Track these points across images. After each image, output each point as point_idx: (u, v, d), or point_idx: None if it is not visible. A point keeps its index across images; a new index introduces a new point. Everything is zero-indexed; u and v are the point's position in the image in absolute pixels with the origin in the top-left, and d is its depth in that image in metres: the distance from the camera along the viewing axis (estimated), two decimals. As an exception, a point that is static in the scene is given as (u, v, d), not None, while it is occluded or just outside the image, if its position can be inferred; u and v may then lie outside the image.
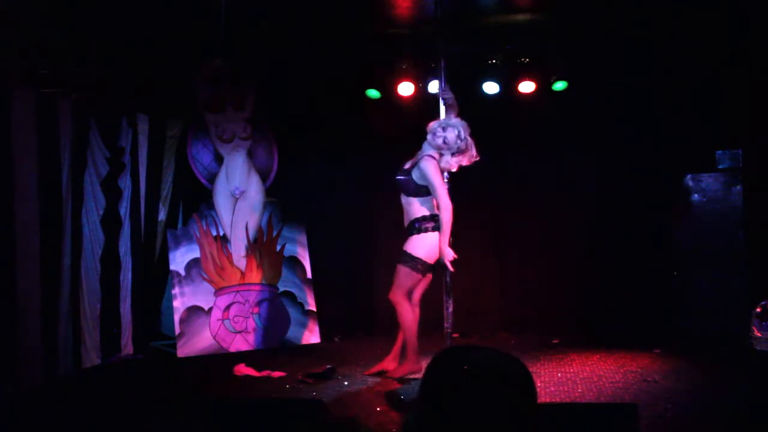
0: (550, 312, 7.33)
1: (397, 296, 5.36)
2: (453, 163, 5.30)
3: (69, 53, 5.97)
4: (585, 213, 7.32)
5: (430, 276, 5.47)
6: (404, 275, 5.32)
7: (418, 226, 5.27)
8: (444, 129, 5.28)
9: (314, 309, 7.06)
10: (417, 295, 5.44)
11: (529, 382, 1.49)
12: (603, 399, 4.92)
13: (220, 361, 6.30)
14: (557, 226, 7.40)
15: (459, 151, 5.29)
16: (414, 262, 5.29)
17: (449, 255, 5.23)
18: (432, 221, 5.27)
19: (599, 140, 7.23)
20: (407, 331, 5.39)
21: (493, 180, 7.53)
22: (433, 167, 5.22)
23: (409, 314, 5.36)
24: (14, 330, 5.36)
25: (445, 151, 5.28)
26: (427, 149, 5.31)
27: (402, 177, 5.32)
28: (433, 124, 5.33)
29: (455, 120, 5.33)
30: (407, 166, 5.35)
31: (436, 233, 5.25)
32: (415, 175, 5.26)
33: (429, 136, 5.33)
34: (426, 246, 5.27)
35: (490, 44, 6.89)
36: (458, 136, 5.25)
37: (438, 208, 5.29)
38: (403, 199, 5.37)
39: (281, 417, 2.56)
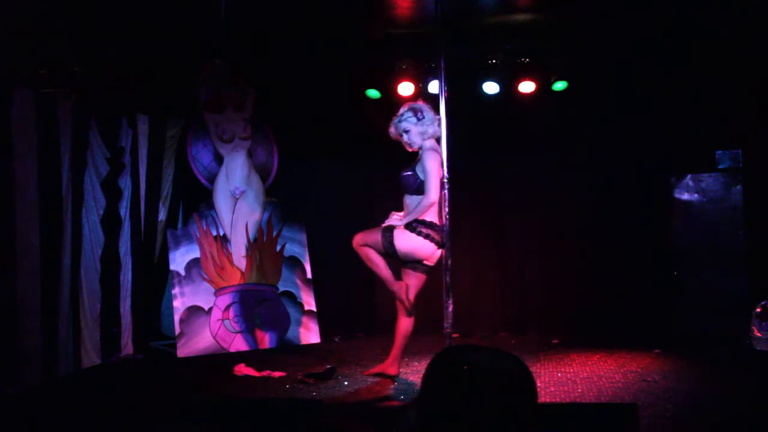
0: (550, 312, 7.33)
1: (356, 242, 5.37)
2: (437, 127, 5.33)
3: (69, 53, 5.97)
4: (585, 213, 7.32)
5: (424, 277, 5.47)
6: (375, 236, 5.30)
7: (415, 225, 5.26)
8: (405, 132, 5.36)
9: (314, 309, 7.06)
10: (411, 295, 5.44)
11: (530, 383, 1.49)
12: (603, 399, 4.92)
13: (220, 361, 6.30)
14: (557, 226, 7.40)
15: (425, 117, 5.33)
16: (390, 242, 5.27)
17: (393, 220, 5.29)
18: (429, 228, 5.26)
19: (599, 140, 7.24)
20: (379, 270, 5.37)
21: (493, 180, 7.54)
22: (433, 158, 5.25)
23: (372, 254, 5.32)
24: (14, 330, 5.36)
25: (428, 128, 5.32)
26: (426, 146, 5.34)
27: (406, 173, 5.34)
28: (403, 140, 5.39)
29: (393, 126, 5.40)
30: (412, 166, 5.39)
31: (427, 242, 5.25)
32: (418, 169, 5.29)
33: (416, 146, 5.38)
34: (408, 243, 5.26)
35: (490, 44, 6.89)
36: (408, 120, 5.33)
37: (427, 200, 5.26)
38: (407, 198, 5.36)
39: (281, 417, 2.56)
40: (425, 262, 5.38)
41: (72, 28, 5.77)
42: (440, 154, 5.25)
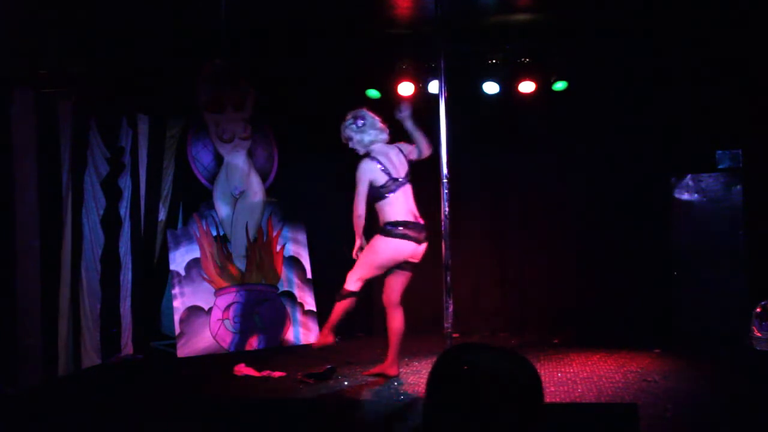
0: (550, 312, 7.33)
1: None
2: (379, 133, 5.37)
3: (69, 53, 5.97)
4: (585, 213, 7.31)
5: (409, 274, 5.49)
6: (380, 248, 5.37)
7: (389, 228, 5.31)
8: (349, 140, 5.46)
9: (314, 309, 7.06)
10: (398, 294, 5.47)
11: (536, 383, 1.48)
12: (603, 399, 4.92)
13: (220, 361, 6.30)
14: (557, 226, 7.40)
15: (365, 124, 5.38)
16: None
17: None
18: (404, 227, 5.30)
19: (599, 140, 7.23)
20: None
21: (493, 180, 7.54)
22: (359, 170, 5.32)
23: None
24: (14, 330, 5.36)
25: (364, 136, 5.40)
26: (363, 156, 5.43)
27: None
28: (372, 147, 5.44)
29: (341, 132, 5.48)
30: None
31: (404, 241, 5.30)
32: None
33: (361, 153, 5.46)
34: (387, 250, 5.32)
35: (490, 44, 6.90)
36: (349, 127, 5.42)
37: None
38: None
39: (281, 417, 2.56)
40: (409, 260, 5.40)
41: (72, 28, 5.77)
42: (376, 162, 5.31)
